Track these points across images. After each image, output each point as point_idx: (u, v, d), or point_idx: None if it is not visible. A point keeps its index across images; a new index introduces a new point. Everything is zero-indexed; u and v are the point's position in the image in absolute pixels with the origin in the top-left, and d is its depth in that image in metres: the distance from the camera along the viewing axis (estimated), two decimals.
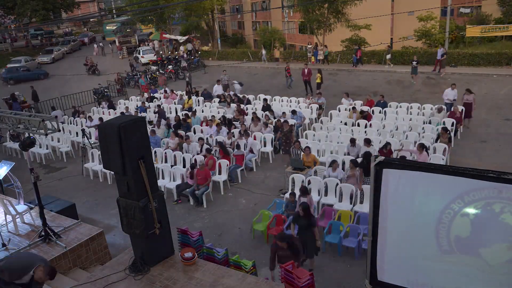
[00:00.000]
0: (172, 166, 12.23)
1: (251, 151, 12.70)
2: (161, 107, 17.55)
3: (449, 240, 4.38)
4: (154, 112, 17.07)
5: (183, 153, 12.51)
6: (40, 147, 14.74)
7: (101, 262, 7.61)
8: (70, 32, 56.16)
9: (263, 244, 8.70)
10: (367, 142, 11.13)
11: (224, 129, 14.00)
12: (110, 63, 34.92)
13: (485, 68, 21.31)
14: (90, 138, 14.06)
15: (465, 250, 4.34)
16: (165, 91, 20.63)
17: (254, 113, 15.05)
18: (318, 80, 19.50)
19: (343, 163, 10.96)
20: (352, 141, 11.55)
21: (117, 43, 39.64)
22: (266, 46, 36.79)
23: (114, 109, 18.87)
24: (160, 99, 19.70)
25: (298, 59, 29.67)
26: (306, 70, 19.85)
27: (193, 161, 11.76)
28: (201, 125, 14.92)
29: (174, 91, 20.43)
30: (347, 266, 7.82)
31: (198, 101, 18.99)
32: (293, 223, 7.76)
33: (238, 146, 12.31)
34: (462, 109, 13.74)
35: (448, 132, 11.72)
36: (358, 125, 13.62)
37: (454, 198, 4.29)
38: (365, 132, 13.19)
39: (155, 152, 12.72)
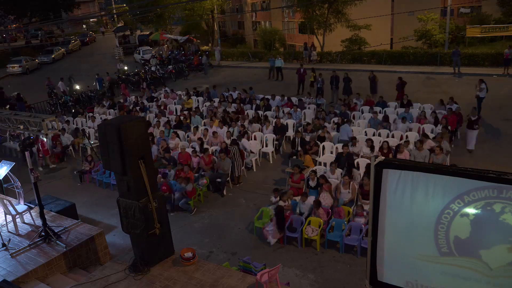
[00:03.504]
0: None
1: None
2: (161, 107, 17.54)
3: (448, 242, 4.34)
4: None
5: None
6: None
7: (101, 262, 7.61)
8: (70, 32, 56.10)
9: (264, 243, 8.70)
10: None
11: (225, 129, 13.99)
12: (109, 63, 34.83)
13: (485, 68, 21.28)
14: (90, 138, 14.07)
15: (464, 252, 4.29)
16: (165, 91, 20.63)
17: (256, 112, 15.02)
18: (312, 79, 19.68)
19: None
20: (353, 139, 11.50)
21: (117, 43, 39.55)
22: (267, 45, 36.76)
23: (115, 109, 18.83)
24: (160, 99, 19.68)
25: (297, 59, 29.61)
26: (302, 70, 20.11)
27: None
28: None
29: (174, 91, 20.43)
30: (347, 265, 7.82)
31: (198, 101, 18.97)
32: None
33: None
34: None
35: (449, 131, 11.69)
36: (359, 125, 13.60)
37: (454, 198, 4.26)
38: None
39: None
